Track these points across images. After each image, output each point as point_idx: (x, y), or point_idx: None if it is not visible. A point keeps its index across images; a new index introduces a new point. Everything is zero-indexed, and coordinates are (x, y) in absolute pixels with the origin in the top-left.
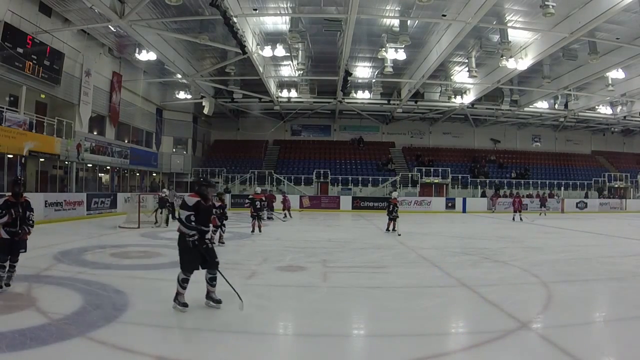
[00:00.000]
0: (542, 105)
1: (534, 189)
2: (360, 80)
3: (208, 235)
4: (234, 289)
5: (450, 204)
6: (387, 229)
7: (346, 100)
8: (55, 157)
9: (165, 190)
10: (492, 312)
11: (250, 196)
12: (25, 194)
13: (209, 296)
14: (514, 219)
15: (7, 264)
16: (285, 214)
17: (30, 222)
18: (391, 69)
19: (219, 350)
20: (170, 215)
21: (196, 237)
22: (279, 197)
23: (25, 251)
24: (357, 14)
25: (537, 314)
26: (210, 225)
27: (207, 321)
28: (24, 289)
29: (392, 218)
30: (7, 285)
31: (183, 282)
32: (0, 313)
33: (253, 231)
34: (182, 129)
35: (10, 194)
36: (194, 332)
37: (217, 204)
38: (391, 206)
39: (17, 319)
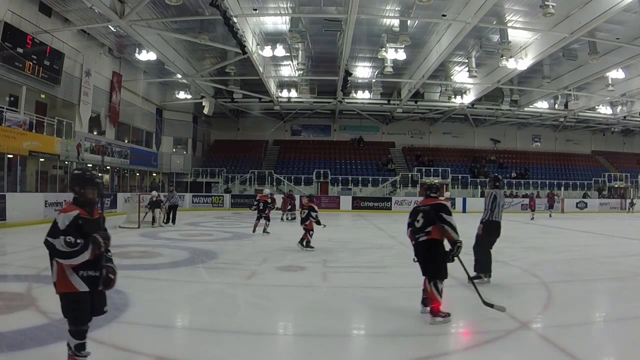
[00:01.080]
0: (542, 105)
1: (534, 189)
2: (360, 80)
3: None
4: (480, 297)
5: (450, 204)
6: None
7: (346, 100)
8: (55, 157)
9: (154, 192)
10: (492, 312)
11: (257, 197)
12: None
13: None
14: (532, 217)
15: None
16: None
17: (109, 254)
18: (391, 69)
19: (219, 350)
20: (165, 216)
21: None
22: (279, 198)
23: (107, 311)
24: (357, 14)
25: (537, 314)
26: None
27: (207, 321)
28: (24, 289)
29: None
30: None
31: (441, 292)
32: (0, 313)
33: (254, 231)
34: (182, 129)
35: (72, 203)
36: (194, 332)
37: (308, 205)
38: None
39: (17, 319)
